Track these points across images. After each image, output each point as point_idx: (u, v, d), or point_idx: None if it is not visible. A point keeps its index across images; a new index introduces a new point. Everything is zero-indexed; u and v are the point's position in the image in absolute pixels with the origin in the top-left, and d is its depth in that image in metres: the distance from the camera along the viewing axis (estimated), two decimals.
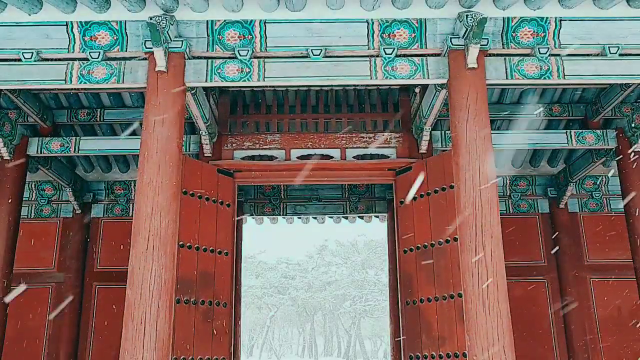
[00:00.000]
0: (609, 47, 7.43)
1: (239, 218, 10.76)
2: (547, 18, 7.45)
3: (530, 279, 11.19)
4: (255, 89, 10.06)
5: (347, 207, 12.77)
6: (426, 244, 8.81)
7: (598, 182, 11.67)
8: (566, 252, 11.27)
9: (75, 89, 9.24)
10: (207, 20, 7.51)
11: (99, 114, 10.26)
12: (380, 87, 10.11)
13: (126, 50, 7.49)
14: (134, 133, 10.51)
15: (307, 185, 12.05)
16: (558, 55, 7.55)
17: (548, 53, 7.47)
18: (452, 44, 7.34)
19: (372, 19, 7.50)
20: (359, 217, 13.37)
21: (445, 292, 8.39)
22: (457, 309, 8.01)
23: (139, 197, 6.86)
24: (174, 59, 7.37)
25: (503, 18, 7.46)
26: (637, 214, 9.26)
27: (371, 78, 7.54)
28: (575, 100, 10.31)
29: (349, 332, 55.55)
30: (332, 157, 9.78)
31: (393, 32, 7.51)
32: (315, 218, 14.07)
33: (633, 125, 9.49)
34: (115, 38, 7.49)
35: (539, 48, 7.45)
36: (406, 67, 7.56)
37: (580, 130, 9.86)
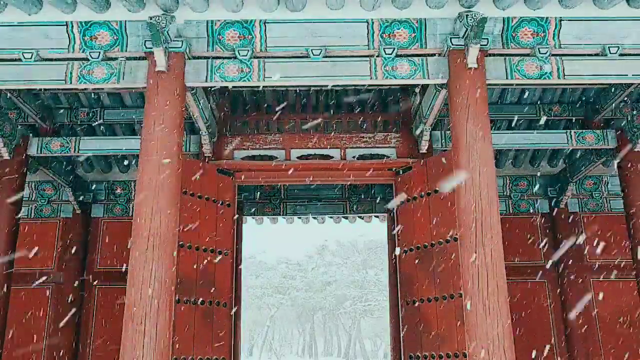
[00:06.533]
0: (609, 47, 7.43)
1: (239, 218, 10.76)
2: (547, 18, 7.45)
3: (530, 279, 11.18)
4: (255, 89, 10.06)
5: (347, 207, 12.77)
6: (426, 244, 8.81)
7: (598, 182, 11.67)
8: (566, 252, 11.27)
9: (75, 89, 9.24)
10: (207, 20, 7.51)
11: (99, 114, 10.26)
12: (380, 87, 10.11)
13: (126, 50, 7.49)
14: (134, 133, 10.53)
15: (307, 185, 12.03)
16: (558, 55, 7.55)
17: (548, 53, 7.47)
18: (452, 44, 7.34)
19: (372, 19, 7.49)
20: (359, 217, 13.38)
21: (445, 292, 8.39)
22: (457, 309, 8.01)
23: (139, 197, 6.86)
24: (174, 59, 7.36)
25: (503, 18, 7.47)
26: (637, 214, 9.25)
27: (371, 78, 7.55)
28: (575, 100, 10.31)
29: (349, 332, 55.54)
30: (332, 157, 9.78)
31: (393, 32, 7.51)
32: (315, 218, 14.07)
33: (633, 125, 9.48)
34: (115, 38, 7.49)
35: (539, 48, 7.45)
36: (406, 67, 7.56)
37: (580, 130, 9.85)
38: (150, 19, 7.03)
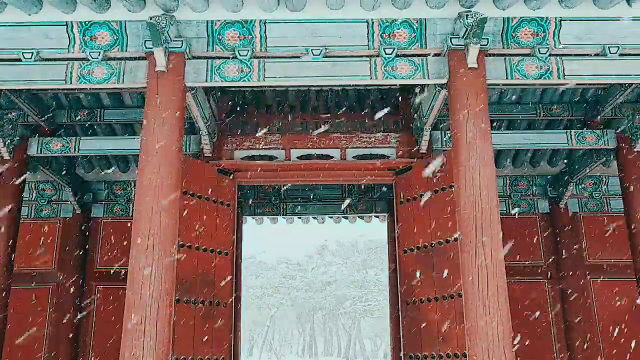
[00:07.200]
0: (609, 47, 7.43)
1: (239, 218, 10.76)
2: (547, 18, 7.45)
3: (530, 279, 11.18)
4: (255, 89, 10.06)
5: (347, 207, 12.76)
6: (426, 244, 8.81)
7: (598, 182, 11.67)
8: (566, 252, 11.27)
9: (75, 89, 9.24)
10: (207, 20, 7.51)
11: (99, 114, 10.26)
12: (380, 87, 10.11)
13: (126, 50, 7.49)
14: (134, 133, 10.53)
15: (307, 185, 12.04)
16: (558, 55, 7.55)
17: (548, 53, 7.47)
18: (452, 44, 7.34)
19: (372, 19, 7.49)
20: (359, 217, 13.37)
21: (445, 292, 8.38)
22: (457, 309, 8.01)
23: (139, 197, 6.86)
24: (174, 59, 7.36)
25: (503, 18, 7.46)
26: (637, 214, 9.25)
27: (371, 78, 7.55)
28: (575, 100, 10.31)
29: (349, 332, 55.54)
30: (332, 157, 9.78)
31: (393, 32, 7.51)
32: (315, 218, 14.06)
33: (633, 125, 9.48)
34: (115, 38, 7.49)
35: (539, 48, 7.45)
36: (406, 67, 7.56)
37: (580, 130, 9.85)
38: (150, 19, 7.02)
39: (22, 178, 9.68)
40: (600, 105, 9.66)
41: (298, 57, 7.58)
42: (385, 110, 10.26)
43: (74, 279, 11.23)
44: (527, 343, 10.47)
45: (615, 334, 10.87)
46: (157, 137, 7.01)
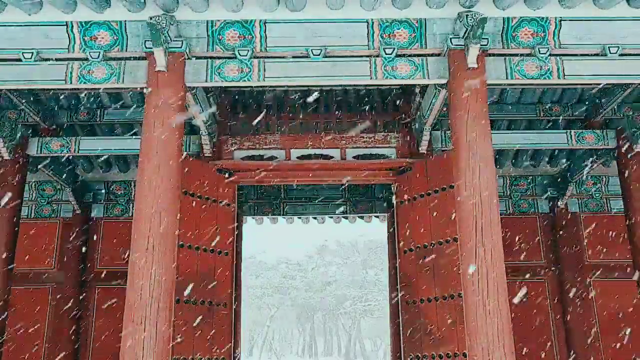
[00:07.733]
0: (609, 47, 7.43)
1: (239, 218, 10.76)
2: (547, 18, 7.45)
3: (530, 279, 11.18)
4: (255, 89, 10.06)
5: (347, 207, 12.76)
6: (426, 244, 8.81)
7: (598, 182, 11.67)
8: (566, 252, 11.27)
9: (75, 89, 9.22)
10: (207, 20, 7.51)
11: (99, 114, 10.26)
12: (380, 87, 10.11)
13: (126, 50, 7.49)
14: (134, 133, 10.53)
15: (307, 185, 12.04)
16: (558, 55, 7.55)
17: (548, 53, 7.47)
18: (452, 44, 7.34)
19: (372, 19, 7.49)
20: (359, 217, 13.37)
21: (445, 292, 8.39)
22: (457, 309, 8.01)
23: (138, 197, 6.86)
24: (174, 59, 7.36)
25: (503, 18, 7.46)
26: (637, 214, 9.25)
27: (371, 78, 7.54)
28: (575, 100, 10.31)
29: (349, 332, 55.53)
30: (332, 157, 9.78)
31: (393, 32, 7.51)
32: (315, 218, 14.07)
33: (633, 125, 9.48)
34: (115, 38, 7.49)
35: (539, 48, 7.45)
36: (406, 67, 7.56)
37: (580, 130, 9.86)
38: (151, 19, 7.03)
39: (22, 178, 9.68)
40: (600, 105, 9.66)
41: (298, 57, 7.58)
42: (386, 110, 10.27)
43: (74, 279, 11.23)
44: (527, 343, 10.49)
45: (615, 334, 10.86)
46: (157, 137, 7.01)
